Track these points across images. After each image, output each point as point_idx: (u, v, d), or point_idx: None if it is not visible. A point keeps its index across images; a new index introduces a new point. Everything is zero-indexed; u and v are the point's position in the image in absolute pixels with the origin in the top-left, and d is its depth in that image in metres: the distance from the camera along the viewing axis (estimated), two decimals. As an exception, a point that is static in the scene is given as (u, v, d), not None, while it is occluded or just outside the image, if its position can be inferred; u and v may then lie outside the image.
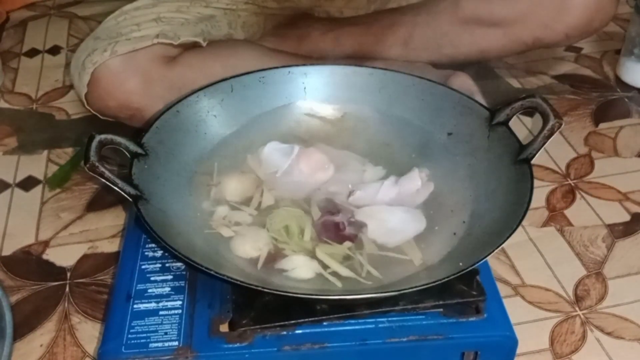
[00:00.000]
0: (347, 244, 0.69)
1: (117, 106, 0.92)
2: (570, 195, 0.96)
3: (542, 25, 0.95)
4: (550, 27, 0.95)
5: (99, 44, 0.91)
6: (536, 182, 0.69)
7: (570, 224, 0.91)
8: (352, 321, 0.65)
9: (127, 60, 0.89)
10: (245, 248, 0.67)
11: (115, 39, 0.91)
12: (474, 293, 0.65)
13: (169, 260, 0.71)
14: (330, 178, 0.76)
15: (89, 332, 0.77)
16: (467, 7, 0.98)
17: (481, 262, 0.61)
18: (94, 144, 0.67)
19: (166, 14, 0.95)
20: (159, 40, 0.90)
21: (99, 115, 0.94)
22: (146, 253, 0.72)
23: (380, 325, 0.64)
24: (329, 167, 0.77)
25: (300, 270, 0.66)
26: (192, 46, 0.95)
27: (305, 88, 0.85)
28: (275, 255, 0.67)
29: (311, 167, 0.76)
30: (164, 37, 0.91)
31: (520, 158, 0.71)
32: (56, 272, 0.84)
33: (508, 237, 0.63)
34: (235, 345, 0.63)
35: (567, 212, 0.93)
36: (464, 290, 0.65)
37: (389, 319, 0.65)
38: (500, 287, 0.75)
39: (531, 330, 0.76)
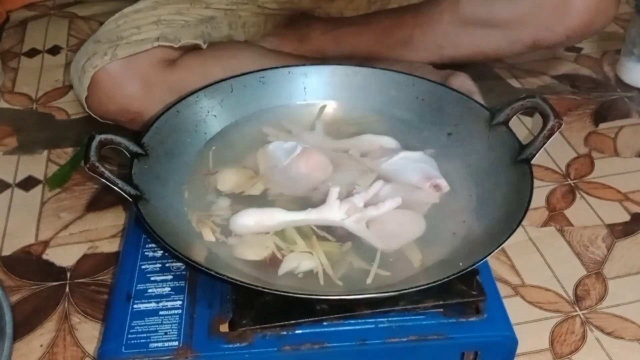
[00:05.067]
0: (348, 244, 0.69)
1: (118, 110, 0.92)
2: (570, 195, 0.96)
3: (543, 27, 0.95)
4: (550, 28, 0.95)
5: (99, 47, 0.91)
6: (536, 182, 0.69)
7: (570, 224, 0.91)
8: (352, 321, 0.65)
9: (128, 64, 0.89)
10: (251, 251, 0.67)
11: (115, 43, 0.90)
12: (474, 293, 0.65)
13: (169, 260, 0.71)
14: (327, 178, 0.76)
15: (89, 332, 0.77)
16: (468, 8, 0.98)
17: (481, 262, 0.62)
18: (94, 144, 0.67)
19: (166, 16, 0.95)
20: (160, 43, 0.90)
21: (98, 119, 0.94)
22: (146, 253, 0.72)
23: (380, 325, 0.64)
24: (328, 168, 0.77)
25: (305, 263, 0.66)
26: (192, 49, 0.95)
27: (305, 88, 0.85)
28: (274, 262, 0.67)
29: (309, 167, 0.76)
30: (164, 39, 0.91)
31: (520, 158, 0.71)
32: (56, 272, 0.84)
33: (508, 237, 0.63)
34: (235, 345, 0.63)
35: (567, 212, 0.93)
36: (464, 290, 0.65)
37: (389, 319, 0.65)
38: (500, 287, 0.75)
39: (531, 330, 0.76)
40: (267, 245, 0.67)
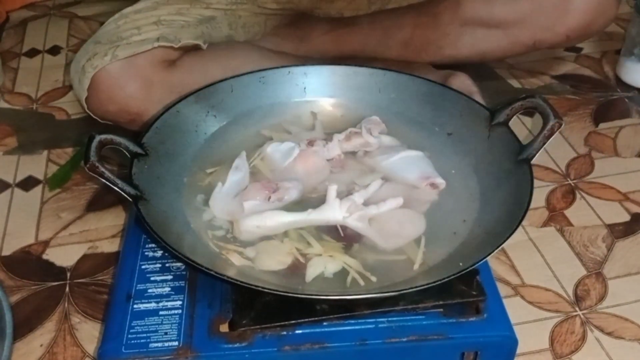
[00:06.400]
0: (357, 245, 0.69)
1: (117, 111, 0.92)
2: (570, 195, 0.96)
3: (543, 27, 0.95)
4: (551, 29, 0.95)
5: (100, 48, 0.91)
6: (536, 182, 0.69)
7: (570, 224, 0.91)
8: (352, 321, 0.65)
9: (128, 64, 0.89)
10: (272, 262, 0.67)
11: (115, 43, 0.90)
12: (474, 293, 0.65)
13: (169, 260, 0.71)
14: (326, 178, 0.76)
15: (89, 332, 0.77)
16: (468, 8, 0.98)
17: (481, 262, 0.62)
18: (94, 144, 0.67)
19: (166, 16, 0.95)
20: (160, 43, 0.90)
21: (98, 120, 0.94)
22: (146, 253, 0.72)
23: (380, 325, 0.65)
24: (325, 169, 0.77)
25: (331, 266, 0.66)
26: (192, 49, 0.95)
27: (305, 88, 0.85)
28: (295, 268, 0.67)
29: (307, 169, 0.76)
30: (164, 40, 0.91)
31: (520, 158, 0.71)
32: (56, 272, 0.84)
33: (508, 237, 0.63)
34: (235, 345, 0.63)
35: (567, 212, 0.93)
36: (464, 290, 0.65)
37: (389, 319, 0.65)
38: (500, 287, 0.75)
39: (531, 330, 0.76)
40: (287, 252, 0.67)
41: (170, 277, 0.70)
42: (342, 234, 0.69)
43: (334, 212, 0.69)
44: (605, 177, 0.99)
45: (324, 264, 0.66)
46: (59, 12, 1.44)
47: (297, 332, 0.64)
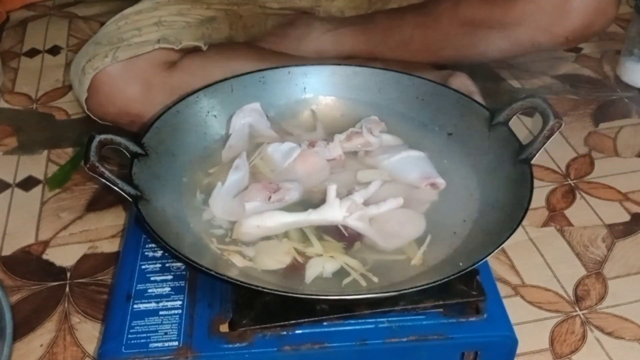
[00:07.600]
0: (357, 245, 0.69)
1: (117, 112, 0.92)
2: (570, 195, 0.96)
3: (542, 29, 0.95)
4: (550, 30, 0.95)
5: (100, 49, 0.91)
6: (536, 182, 0.69)
7: (570, 224, 0.91)
8: (352, 321, 0.65)
9: (128, 66, 0.89)
10: (271, 261, 0.67)
11: (116, 45, 0.90)
12: (474, 293, 0.65)
13: (169, 260, 0.71)
14: (326, 178, 0.76)
15: (89, 332, 0.77)
16: (468, 9, 0.98)
17: (481, 262, 0.62)
18: (94, 144, 0.67)
19: (167, 17, 0.95)
20: (161, 45, 0.90)
21: (98, 121, 0.94)
22: (146, 253, 0.72)
23: (380, 325, 0.65)
24: (325, 169, 0.77)
25: (329, 266, 0.66)
26: (193, 50, 0.94)
27: (305, 88, 0.85)
28: (295, 268, 0.66)
29: (307, 169, 0.76)
30: (165, 42, 0.91)
31: (520, 158, 0.71)
32: (56, 272, 0.84)
33: (508, 237, 0.63)
34: (235, 345, 0.63)
35: (567, 212, 0.93)
36: (464, 290, 0.65)
37: (389, 319, 0.65)
38: (500, 287, 0.75)
39: (531, 330, 0.76)
40: (286, 251, 0.67)
41: (170, 277, 0.70)
42: (345, 234, 0.69)
43: (334, 211, 0.69)
44: (605, 177, 0.99)
45: (322, 264, 0.66)
46: (59, 12, 1.44)
47: (297, 332, 0.64)
